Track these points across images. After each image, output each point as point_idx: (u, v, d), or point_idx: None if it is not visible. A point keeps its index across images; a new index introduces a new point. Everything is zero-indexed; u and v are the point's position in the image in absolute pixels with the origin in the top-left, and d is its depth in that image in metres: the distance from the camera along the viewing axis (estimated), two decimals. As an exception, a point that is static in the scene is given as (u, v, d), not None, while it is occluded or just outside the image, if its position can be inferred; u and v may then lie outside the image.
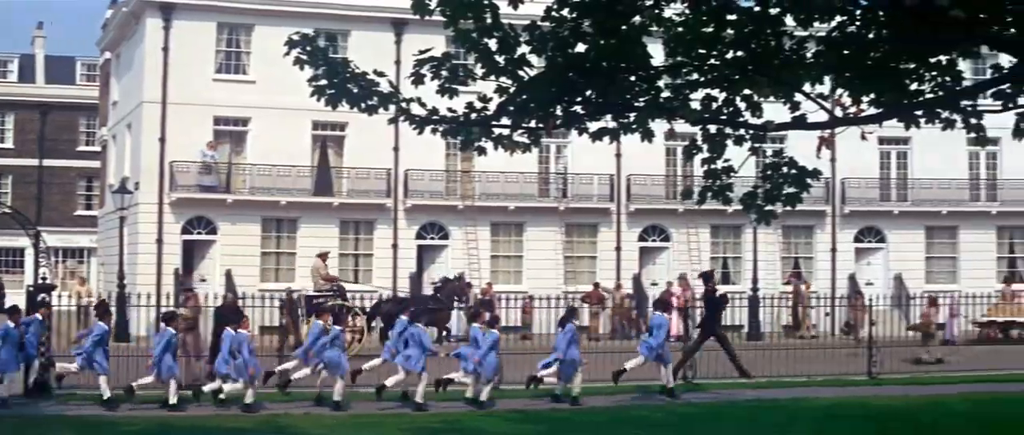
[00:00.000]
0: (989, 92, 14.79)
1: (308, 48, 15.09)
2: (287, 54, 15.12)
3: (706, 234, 59.99)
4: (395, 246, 56.63)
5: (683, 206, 55.68)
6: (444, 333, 43.76)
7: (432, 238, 57.99)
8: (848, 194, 60.32)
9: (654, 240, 60.11)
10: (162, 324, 29.63)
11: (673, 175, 59.09)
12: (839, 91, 14.65)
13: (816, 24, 13.93)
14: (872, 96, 14.72)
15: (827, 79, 14.41)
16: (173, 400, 27.48)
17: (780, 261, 60.35)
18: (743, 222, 54.74)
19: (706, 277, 37.01)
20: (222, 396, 27.71)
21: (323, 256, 46.03)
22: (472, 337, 30.35)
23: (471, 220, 57.47)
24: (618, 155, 56.17)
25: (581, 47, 14.02)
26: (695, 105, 14.71)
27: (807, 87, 14.59)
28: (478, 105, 14.93)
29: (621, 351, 35.23)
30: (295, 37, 15.14)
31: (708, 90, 14.60)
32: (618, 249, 59.02)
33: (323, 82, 15.09)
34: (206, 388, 28.43)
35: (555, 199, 58.48)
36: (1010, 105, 14.57)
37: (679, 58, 14.19)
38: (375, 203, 56.47)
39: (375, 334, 41.86)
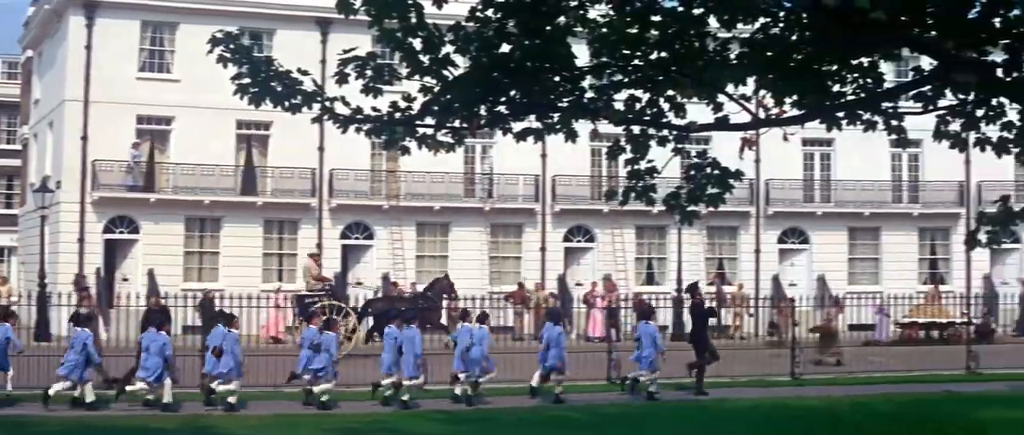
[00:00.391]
0: (910, 94, 14.92)
1: (231, 46, 14.97)
2: (210, 52, 15.01)
3: (631, 235, 60.15)
4: (319, 246, 56.28)
5: (608, 207, 55.69)
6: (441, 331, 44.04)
7: (357, 238, 57.87)
8: (772, 195, 60.64)
9: (579, 240, 60.21)
10: (71, 324, 29.61)
11: (598, 176, 59.22)
12: (762, 92, 14.70)
13: (739, 25, 13.98)
14: (794, 97, 14.77)
15: (750, 80, 14.42)
16: (90, 398, 27.45)
17: (705, 262, 60.61)
18: (668, 223, 54.96)
19: (692, 289, 36.82)
20: (231, 399, 27.82)
21: (314, 256, 46.86)
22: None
23: (396, 220, 57.38)
24: (543, 156, 56.25)
25: (505, 47, 14.01)
26: (619, 106, 14.74)
27: (730, 88, 14.63)
28: (402, 105, 14.87)
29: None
30: (219, 35, 15.01)
31: (632, 91, 14.63)
32: (543, 249, 59.11)
33: (246, 80, 14.98)
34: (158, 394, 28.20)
35: (480, 199, 58.46)
36: (930, 107, 14.70)
37: (603, 59, 14.20)
38: (300, 202, 56.28)
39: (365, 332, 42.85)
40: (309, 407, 28.44)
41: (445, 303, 46.50)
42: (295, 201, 56.16)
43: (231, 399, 27.72)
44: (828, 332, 43.53)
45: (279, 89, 14.92)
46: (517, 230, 59.77)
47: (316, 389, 28.71)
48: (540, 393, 30.72)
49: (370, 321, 43.25)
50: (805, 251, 62.18)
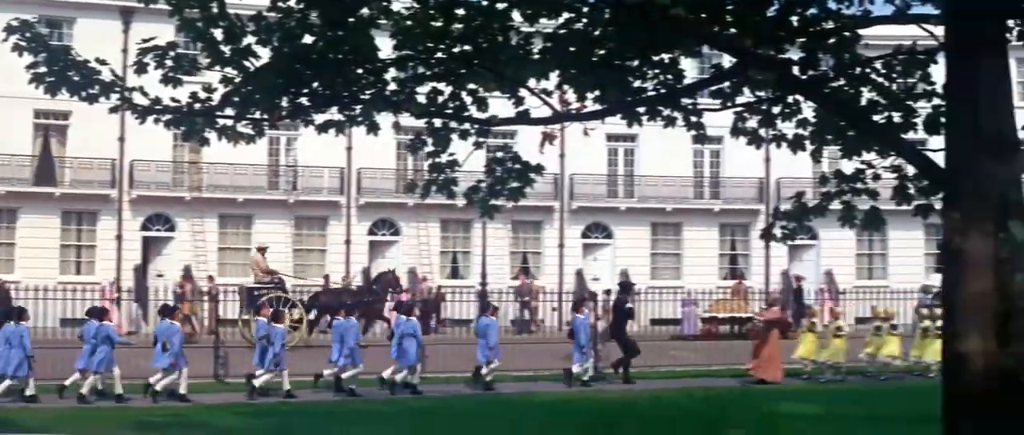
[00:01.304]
0: (709, 91, 15.15)
1: (28, 34, 14.63)
2: (5, 40, 14.65)
3: (436, 228, 60.17)
4: (119, 237, 55.55)
5: (413, 200, 55.58)
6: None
7: (158, 229, 57.04)
8: (576, 190, 61.04)
9: (384, 234, 60.11)
10: None
11: (404, 169, 58.78)
12: (564, 87, 14.78)
13: (543, 20, 14.03)
14: (596, 93, 14.86)
15: (552, 75, 14.50)
16: None
17: (509, 256, 60.91)
18: (473, 217, 54.89)
19: (624, 287, 38.08)
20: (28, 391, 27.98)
21: (262, 250, 47.78)
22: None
23: (199, 212, 56.69)
24: (349, 149, 55.88)
25: (308, 38, 13.90)
26: (421, 99, 14.70)
27: (532, 83, 14.69)
28: (203, 95, 14.65)
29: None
30: (14, 23, 14.67)
31: (434, 84, 14.61)
32: (347, 242, 58.87)
33: (43, 69, 14.65)
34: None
35: (284, 192, 58.06)
36: (728, 104, 14.94)
37: (406, 51, 14.15)
38: (99, 193, 55.27)
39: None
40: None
41: (390, 297, 46.98)
42: (94, 192, 55.09)
43: (29, 391, 27.64)
44: None
45: (76, 79, 14.61)
46: (322, 223, 59.48)
47: (257, 381, 29.75)
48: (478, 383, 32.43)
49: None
50: (609, 246, 62.80)
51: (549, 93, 14.84)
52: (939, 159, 12.08)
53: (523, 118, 14.78)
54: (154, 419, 25.83)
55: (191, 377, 29.50)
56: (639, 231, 62.92)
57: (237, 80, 14.17)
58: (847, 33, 13.88)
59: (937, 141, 12.44)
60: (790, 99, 14.88)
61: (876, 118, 13.93)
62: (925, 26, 13.06)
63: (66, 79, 14.67)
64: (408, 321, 31.92)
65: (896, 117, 13.96)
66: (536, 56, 14.43)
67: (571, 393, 31.95)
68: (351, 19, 13.71)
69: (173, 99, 14.69)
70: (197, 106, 14.59)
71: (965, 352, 10.37)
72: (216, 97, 14.57)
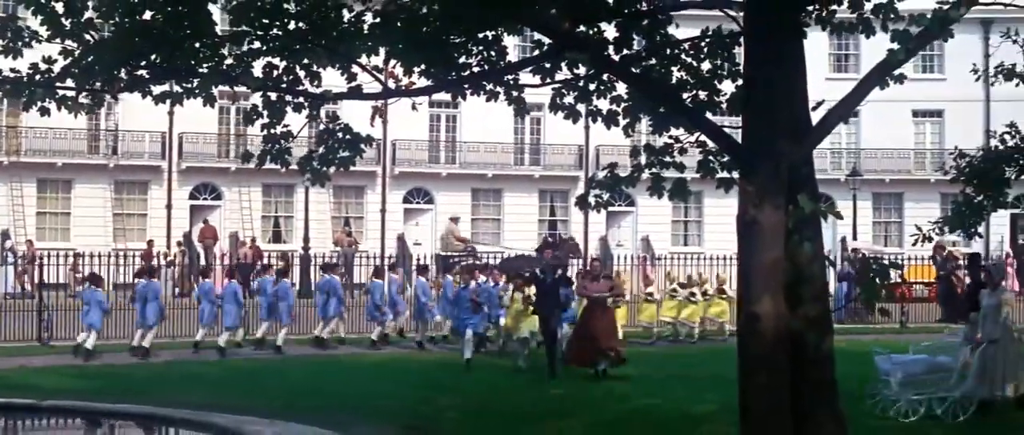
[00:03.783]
0: (530, 68, 15.98)
1: None
2: None
3: (258, 193, 60.39)
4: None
5: (236, 165, 55.93)
6: None
7: (-24, 194, 56.75)
8: (399, 155, 61.59)
9: (206, 198, 60.20)
10: None
11: (226, 134, 59.26)
12: (392, 62, 15.47)
13: (373, -1, 14.74)
14: (423, 68, 15.60)
15: (382, 51, 15.19)
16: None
17: (331, 220, 61.38)
18: (296, 181, 55.35)
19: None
20: None
21: (455, 219, 50.85)
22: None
23: (16, 176, 56.31)
24: (170, 113, 55.21)
25: (148, 15, 14.36)
26: (257, 73, 15.27)
27: (363, 59, 15.36)
28: (43, 67, 15.00)
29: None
30: None
31: (270, 58, 15.20)
32: (169, 207, 58.71)
33: None
34: None
35: (105, 156, 57.81)
36: (547, 80, 15.78)
37: (243, 28, 14.70)
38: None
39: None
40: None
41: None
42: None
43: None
44: None
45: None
46: (143, 187, 59.35)
47: None
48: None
49: None
50: (430, 211, 63.55)
51: (380, 69, 15.54)
52: (739, 137, 13.07)
53: (355, 93, 15.46)
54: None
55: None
56: (460, 196, 63.65)
57: (77, 52, 14.59)
58: (660, 16, 14.79)
59: (739, 120, 13.40)
60: (605, 76, 15.78)
61: (685, 96, 14.88)
62: (729, 12, 14.03)
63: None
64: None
65: (702, 96, 14.93)
66: (366, 32, 15.11)
67: (393, 355, 32.86)
68: (191, -3, 14.23)
69: (13, 70, 15.04)
70: (37, 77, 14.95)
71: (758, 314, 11.37)
72: (56, 68, 14.96)
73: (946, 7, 12.74)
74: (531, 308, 28.84)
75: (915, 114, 66.14)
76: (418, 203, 63.52)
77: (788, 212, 11.54)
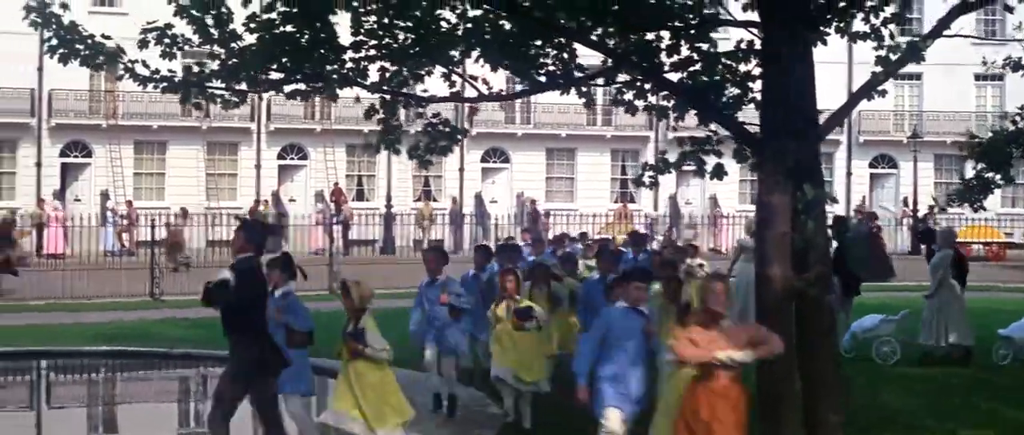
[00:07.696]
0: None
1: (44, 12, 17.87)
2: (25, 19, 17.89)
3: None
4: (38, 164, 58.33)
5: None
6: None
7: (76, 156, 61.45)
8: (477, 117, 62.47)
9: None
10: None
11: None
12: (482, 64, 18.55)
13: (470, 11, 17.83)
14: (506, 64, 18.70)
15: (473, 53, 18.31)
16: None
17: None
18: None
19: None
20: None
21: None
22: None
23: (115, 139, 60.90)
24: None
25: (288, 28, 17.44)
26: (373, 76, 18.41)
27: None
28: (195, 69, 18.19)
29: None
30: (32, 3, 17.87)
31: (383, 63, 18.30)
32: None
33: (55, 43, 17.97)
34: None
35: (197, 119, 59.00)
36: (609, 83, 18.91)
37: (361, 37, 17.81)
38: (18, 122, 58.89)
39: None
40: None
41: None
42: (13, 121, 58.20)
43: None
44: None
45: (86, 51, 17.95)
46: (233, 148, 63.49)
47: None
48: None
49: None
50: (506, 170, 66.39)
51: (474, 77, 18.70)
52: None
53: (455, 97, 18.74)
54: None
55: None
56: (535, 156, 66.39)
57: (223, 57, 17.71)
58: (707, 30, 17.75)
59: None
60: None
61: (725, 98, 17.88)
62: (752, 30, 17.10)
63: (75, 51, 18.03)
64: None
65: (735, 92, 17.93)
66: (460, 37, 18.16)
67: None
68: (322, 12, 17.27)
69: (170, 70, 18.15)
70: (191, 79, 18.12)
71: (771, 276, 14.41)
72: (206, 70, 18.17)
73: (917, 39, 16.03)
74: None
75: (977, 78, 67.82)
76: (495, 162, 66.28)
77: (796, 196, 14.54)
